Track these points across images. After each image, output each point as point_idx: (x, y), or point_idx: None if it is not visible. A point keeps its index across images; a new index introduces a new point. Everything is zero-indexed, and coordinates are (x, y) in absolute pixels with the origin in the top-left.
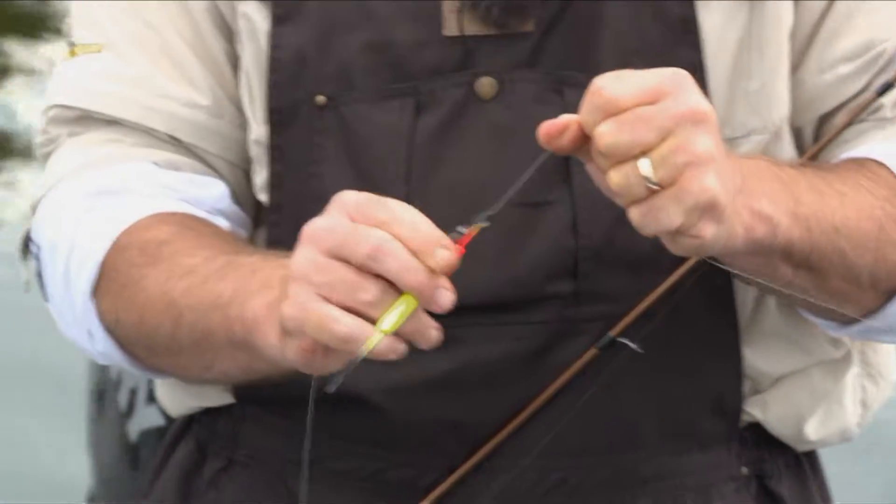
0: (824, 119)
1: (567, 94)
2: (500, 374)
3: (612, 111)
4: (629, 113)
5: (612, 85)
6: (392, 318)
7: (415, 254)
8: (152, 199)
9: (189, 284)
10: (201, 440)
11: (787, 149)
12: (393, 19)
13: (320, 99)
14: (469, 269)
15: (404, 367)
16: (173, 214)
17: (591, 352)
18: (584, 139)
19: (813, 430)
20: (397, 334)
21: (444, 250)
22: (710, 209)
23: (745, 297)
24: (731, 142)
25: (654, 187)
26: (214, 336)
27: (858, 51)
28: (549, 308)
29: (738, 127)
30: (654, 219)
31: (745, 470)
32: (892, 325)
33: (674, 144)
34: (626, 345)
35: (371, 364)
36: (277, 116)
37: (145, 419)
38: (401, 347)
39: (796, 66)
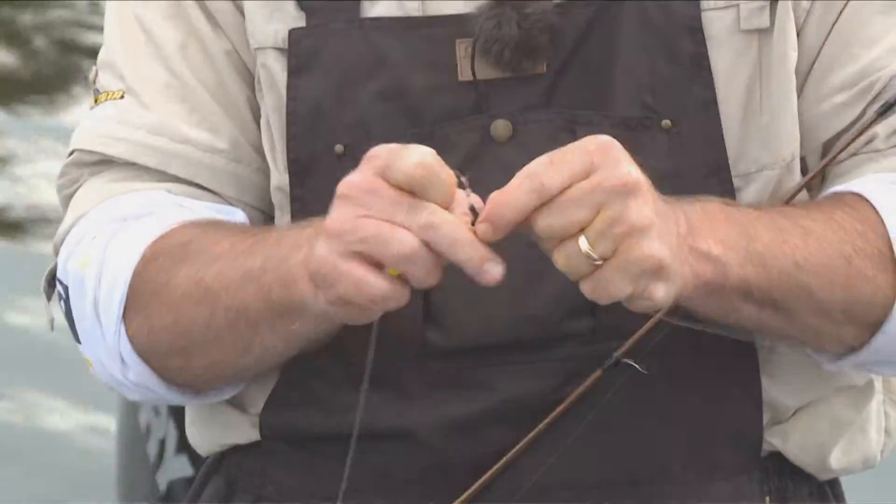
0: (826, 148)
1: (580, 133)
2: (521, 411)
3: (546, 196)
4: (561, 195)
5: (545, 170)
6: None
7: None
8: (174, 216)
9: (220, 268)
10: (230, 477)
11: (798, 182)
12: (407, 66)
13: (338, 148)
14: (487, 309)
15: (432, 409)
16: (195, 221)
17: (597, 373)
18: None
19: (835, 460)
20: None
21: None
22: (657, 272)
23: None
24: (744, 177)
25: (598, 262)
26: (251, 309)
27: (853, 80)
28: (567, 345)
29: (752, 163)
30: (605, 290)
31: (768, 499)
32: (885, 358)
33: (608, 217)
34: (632, 366)
35: (398, 404)
36: (297, 167)
37: (174, 469)
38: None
39: (797, 97)
